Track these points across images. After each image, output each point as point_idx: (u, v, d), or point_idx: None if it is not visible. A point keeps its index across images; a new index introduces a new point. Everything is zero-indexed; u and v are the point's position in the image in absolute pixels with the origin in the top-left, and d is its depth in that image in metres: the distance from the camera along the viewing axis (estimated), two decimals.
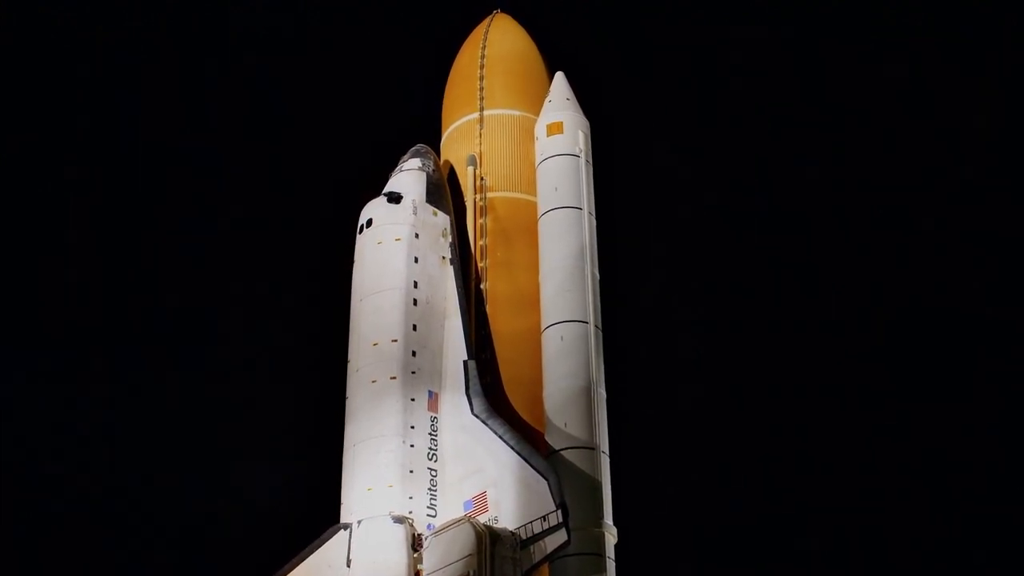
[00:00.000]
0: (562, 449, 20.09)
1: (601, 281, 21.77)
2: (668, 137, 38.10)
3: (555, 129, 22.67)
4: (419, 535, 19.21)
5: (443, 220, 22.03)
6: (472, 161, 23.12)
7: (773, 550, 33.56)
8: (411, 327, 20.73)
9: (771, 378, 35.55)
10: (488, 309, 21.85)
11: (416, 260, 21.33)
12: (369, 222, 21.82)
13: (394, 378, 20.23)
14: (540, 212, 22.19)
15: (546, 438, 20.35)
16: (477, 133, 23.46)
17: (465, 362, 20.59)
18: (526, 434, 20.17)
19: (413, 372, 20.39)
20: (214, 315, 37.09)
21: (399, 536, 19.06)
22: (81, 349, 36.32)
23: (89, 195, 38.91)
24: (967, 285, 37.01)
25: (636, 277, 33.50)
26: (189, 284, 37.35)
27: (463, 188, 22.99)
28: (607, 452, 20.32)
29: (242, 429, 34.21)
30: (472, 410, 20.09)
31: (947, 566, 32.93)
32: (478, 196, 22.83)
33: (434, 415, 20.27)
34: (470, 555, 18.40)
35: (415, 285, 21.13)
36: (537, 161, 22.72)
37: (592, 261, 21.69)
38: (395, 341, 20.51)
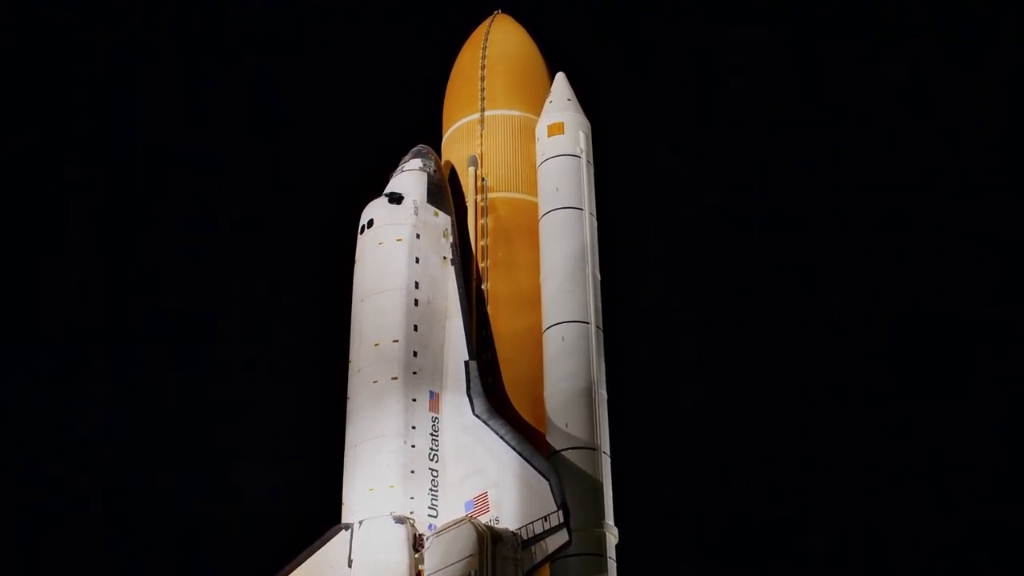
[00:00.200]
0: (563, 449, 20.10)
1: (602, 281, 21.79)
2: (668, 137, 38.13)
3: (556, 130, 22.68)
4: (420, 535, 19.21)
5: (444, 220, 22.03)
6: (473, 162, 23.12)
7: (774, 551, 33.57)
8: (412, 327, 20.73)
9: (772, 378, 35.57)
10: (489, 309, 21.86)
11: (417, 260, 21.33)
12: (370, 222, 21.83)
13: (395, 378, 20.24)
14: (541, 212, 22.20)
15: (547, 438, 20.36)
16: (478, 134, 23.46)
17: (466, 362, 20.59)
18: (527, 434, 20.18)
19: (414, 372, 20.39)
20: (214, 315, 37.08)
21: (400, 536, 19.06)
22: (81, 349, 36.32)
23: (89, 195, 38.91)
24: (968, 286, 37.05)
25: (637, 277, 33.53)
26: (189, 284, 37.36)
27: (464, 188, 23.00)
28: (608, 452, 20.33)
29: (242, 429, 34.20)
30: (473, 410, 20.10)
31: (948, 566, 32.94)
32: (479, 196, 22.83)
33: (435, 415, 20.27)
34: (471, 555, 18.41)
35: (416, 285, 21.13)
36: (538, 161, 22.73)
37: (593, 261, 21.70)
38: (396, 341, 20.52)
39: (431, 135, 24.26)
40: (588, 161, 22.59)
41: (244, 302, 37.09)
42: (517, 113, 23.62)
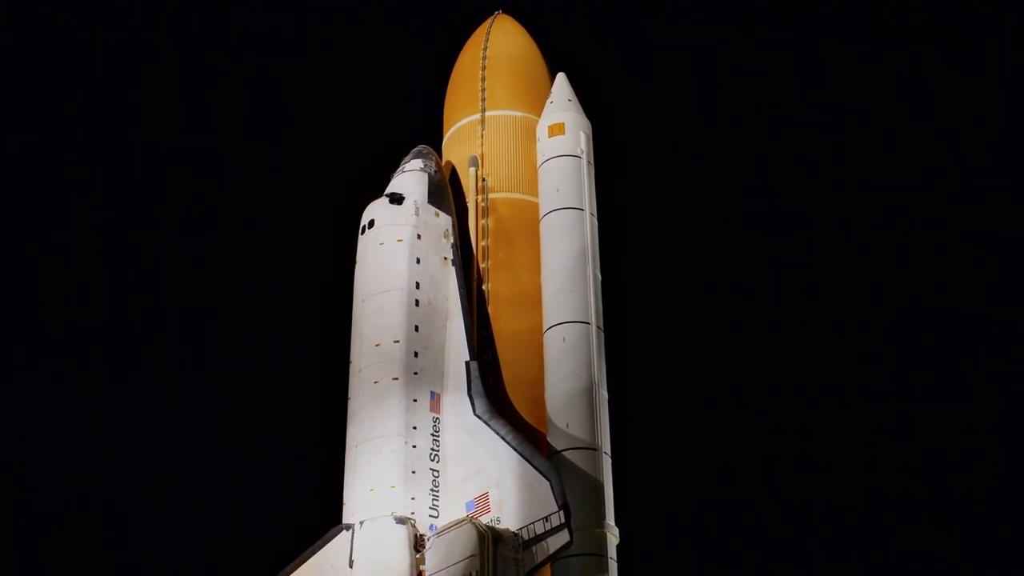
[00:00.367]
0: (564, 450, 20.10)
1: (603, 282, 21.79)
2: (668, 137, 38.16)
3: (557, 130, 22.68)
4: (421, 536, 19.22)
5: (445, 221, 22.04)
6: (474, 162, 23.12)
7: (774, 551, 33.58)
8: (413, 328, 20.74)
9: (772, 379, 35.61)
10: (490, 310, 21.86)
11: (418, 261, 21.34)
12: (371, 223, 21.83)
13: (396, 379, 20.24)
14: (542, 213, 22.21)
15: (548, 439, 20.37)
16: (479, 134, 23.46)
17: (467, 363, 20.60)
18: (528, 435, 20.19)
19: (415, 373, 20.40)
20: (214, 315, 37.11)
21: (401, 537, 19.07)
22: (81, 349, 36.32)
23: (89, 195, 38.93)
24: (968, 286, 37.07)
25: (638, 278, 33.53)
26: (189, 284, 37.38)
27: (465, 189, 23.00)
28: (609, 453, 20.33)
29: (242, 429, 34.23)
30: (474, 411, 20.11)
31: (948, 566, 32.95)
32: (480, 197, 22.84)
33: (436, 416, 20.28)
34: (472, 556, 18.42)
35: (417, 286, 21.13)
36: (539, 162, 22.73)
37: (594, 262, 21.71)
38: (397, 342, 20.52)
39: (432, 135, 24.31)
40: (589, 162, 22.59)
41: (244, 302, 37.14)
42: (518, 113, 23.62)
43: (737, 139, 38.72)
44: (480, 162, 23.14)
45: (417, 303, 21.00)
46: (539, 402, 20.88)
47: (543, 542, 18.46)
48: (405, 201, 21.83)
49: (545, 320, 21.34)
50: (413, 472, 19.67)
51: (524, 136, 23.28)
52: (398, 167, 22.83)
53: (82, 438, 34.65)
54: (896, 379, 36.11)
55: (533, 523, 18.57)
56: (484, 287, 22.06)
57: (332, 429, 21.19)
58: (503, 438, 19.54)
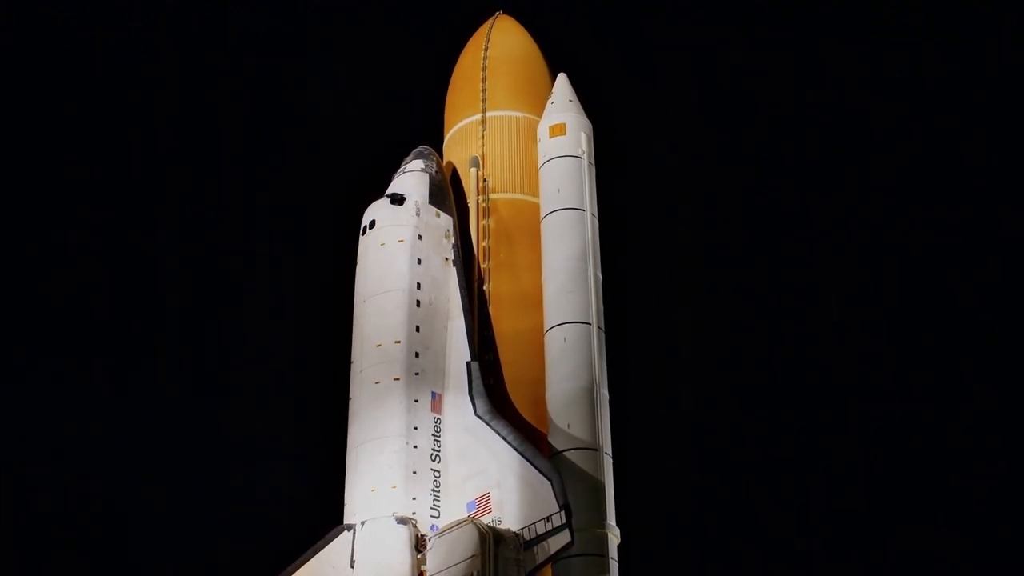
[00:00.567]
0: (565, 450, 20.11)
1: (603, 282, 21.79)
2: (669, 137, 38.17)
3: (558, 131, 22.68)
4: (423, 536, 19.23)
5: (446, 221, 22.04)
6: (475, 163, 23.12)
7: (774, 551, 33.60)
8: (414, 328, 20.74)
9: (773, 379, 35.64)
10: (491, 310, 21.87)
11: (419, 261, 21.35)
12: (372, 223, 21.83)
13: (397, 379, 20.25)
14: (543, 213, 22.21)
15: (549, 439, 20.38)
16: (480, 135, 23.46)
17: (468, 363, 20.61)
18: (529, 435, 20.20)
19: (416, 373, 20.40)
20: (214, 315, 37.12)
21: (403, 537, 19.08)
22: (81, 350, 36.34)
23: (89, 195, 38.93)
24: (968, 286, 37.09)
25: (638, 278, 33.54)
26: (189, 284, 37.39)
27: (466, 189, 23.00)
28: (610, 453, 20.34)
29: (243, 429, 34.24)
30: (475, 411, 20.12)
31: (948, 567, 32.96)
32: (481, 197, 22.84)
33: (437, 416, 20.29)
34: (474, 556, 18.43)
35: (418, 286, 21.14)
36: (540, 163, 22.73)
37: (595, 262, 21.71)
38: (398, 342, 20.53)
39: (433, 136, 24.33)
40: (589, 162, 22.59)
41: (244, 302, 37.15)
42: (519, 114, 23.62)
43: (737, 139, 38.78)
44: (481, 162, 23.14)
45: (418, 304, 21.00)
46: (540, 402, 20.88)
47: (544, 542, 18.47)
48: (406, 202, 21.84)
49: (546, 320, 21.35)
50: (414, 472, 19.68)
51: (525, 136, 23.28)
52: (399, 167, 22.84)
53: (82, 438, 34.69)
54: (896, 379, 36.18)
55: (534, 523, 18.58)
56: (485, 287, 22.06)
57: (333, 429, 21.23)
58: (504, 438, 19.54)
